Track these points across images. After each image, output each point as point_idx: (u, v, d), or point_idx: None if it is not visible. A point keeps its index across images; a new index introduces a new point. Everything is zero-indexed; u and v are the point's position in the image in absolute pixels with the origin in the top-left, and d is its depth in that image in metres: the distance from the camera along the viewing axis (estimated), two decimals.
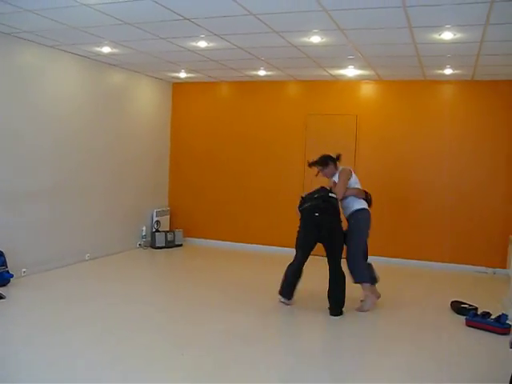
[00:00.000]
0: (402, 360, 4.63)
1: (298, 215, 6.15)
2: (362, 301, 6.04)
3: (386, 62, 7.30)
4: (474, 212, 8.26)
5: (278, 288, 6.10)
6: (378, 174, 8.74)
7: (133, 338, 4.87)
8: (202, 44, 6.52)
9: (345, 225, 6.11)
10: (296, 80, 9.16)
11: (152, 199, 9.62)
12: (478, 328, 5.44)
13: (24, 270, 6.76)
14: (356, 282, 6.03)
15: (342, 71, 8.08)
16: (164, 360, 4.40)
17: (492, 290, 7.20)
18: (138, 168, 9.19)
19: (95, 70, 7.98)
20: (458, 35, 5.55)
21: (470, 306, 5.97)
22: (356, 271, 5.99)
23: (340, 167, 6.32)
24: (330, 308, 5.84)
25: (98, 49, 7.07)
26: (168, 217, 9.85)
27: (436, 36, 5.63)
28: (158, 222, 9.44)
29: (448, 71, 7.62)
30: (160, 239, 9.25)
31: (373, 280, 6.15)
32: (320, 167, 6.30)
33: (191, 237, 9.85)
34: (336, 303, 5.83)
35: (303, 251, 6.06)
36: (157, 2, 4.86)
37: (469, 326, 5.52)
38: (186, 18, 5.39)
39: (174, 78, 9.44)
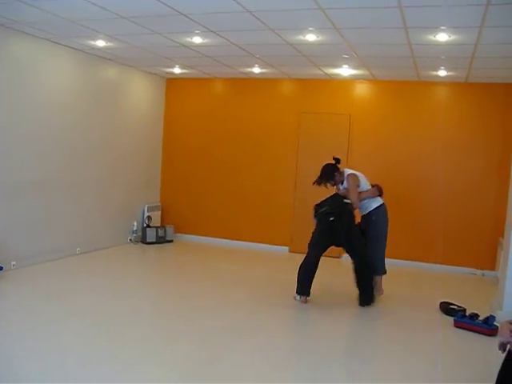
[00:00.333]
0: (389, 360, 4.65)
1: (314, 223, 6.38)
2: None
3: (381, 62, 7.31)
4: (464, 214, 8.30)
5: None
6: (371, 174, 8.71)
7: (123, 332, 4.86)
8: (197, 40, 6.51)
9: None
10: (290, 78, 9.16)
11: (144, 194, 9.60)
12: (466, 329, 5.47)
13: (13, 263, 6.72)
14: (375, 274, 6.30)
15: (336, 70, 8.09)
16: (154, 354, 4.39)
17: (480, 291, 7.23)
18: (131, 163, 9.16)
19: (89, 63, 7.95)
20: (453, 37, 5.57)
21: (459, 307, 6.01)
22: (375, 263, 6.26)
23: (345, 171, 6.43)
24: (359, 298, 6.16)
25: (93, 42, 7.03)
26: (159, 212, 9.83)
27: (431, 37, 5.65)
28: (149, 217, 9.42)
29: (442, 73, 7.64)
30: (151, 235, 9.24)
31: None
32: (327, 182, 6.44)
33: (182, 233, 9.84)
34: (365, 294, 6.15)
35: (318, 250, 6.23)
36: None
37: (457, 327, 5.55)
38: (181, 14, 5.37)
39: (168, 73, 9.41)
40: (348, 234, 6.13)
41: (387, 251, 6.37)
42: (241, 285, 6.94)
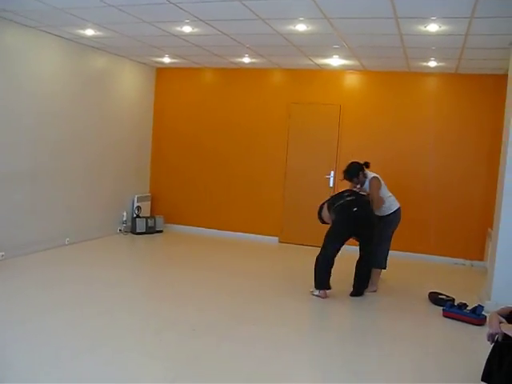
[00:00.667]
0: (377, 350, 4.67)
1: (325, 222, 6.44)
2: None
3: (371, 53, 7.30)
4: (453, 205, 8.33)
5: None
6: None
7: (113, 322, 4.85)
8: (187, 29, 6.46)
9: None
10: (280, 68, 9.13)
11: (133, 184, 9.56)
12: (454, 319, 5.51)
13: (2, 253, 6.68)
14: (374, 267, 6.39)
15: (326, 60, 8.07)
16: (144, 344, 4.40)
17: (469, 281, 7.29)
18: (120, 153, 9.11)
19: (78, 52, 7.87)
20: (444, 27, 5.56)
21: (447, 297, 6.05)
22: (378, 257, 6.39)
23: (369, 174, 6.48)
24: (354, 288, 6.26)
25: (82, 31, 6.96)
26: (149, 203, 9.80)
27: (421, 28, 5.64)
28: (138, 207, 9.39)
29: (432, 63, 7.64)
30: (141, 225, 9.21)
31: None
32: (350, 180, 6.50)
33: (172, 223, 9.82)
34: (361, 284, 6.26)
35: (336, 244, 6.15)
36: None
37: (445, 316, 5.59)
38: (170, 2, 5.32)
39: (157, 62, 9.35)
40: (369, 225, 6.17)
41: None
42: (232, 275, 6.97)
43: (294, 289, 6.48)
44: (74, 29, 6.87)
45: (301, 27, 5.99)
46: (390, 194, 6.50)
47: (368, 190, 6.42)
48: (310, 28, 6.01)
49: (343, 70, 8.77)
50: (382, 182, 6.49)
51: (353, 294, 6.22)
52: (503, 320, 3.57)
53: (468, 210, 8.28)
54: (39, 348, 4.15)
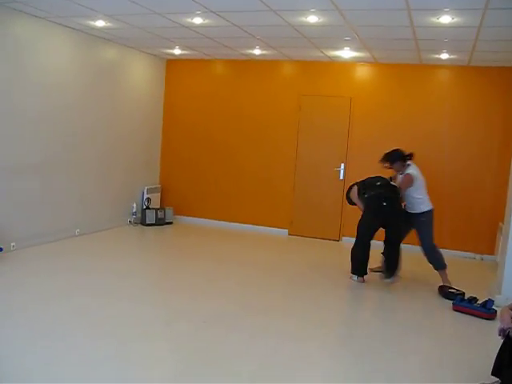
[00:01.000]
0: (385, 342, 4.66)
1: (354, 204, 6.64)
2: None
3: (383, 45, 7.24)
4: (464, 199, 8.29)
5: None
6: (371, 157, 8.73)
7: (123, 311, 4.89)
8: (198, 21, 6.44)
9: None
10: (291, 60, 9.09)
11: (143, 176, 9.58)
12: (464, 313, 5.49)
13: (13, 244, 6.73)
14: (436, 269, 6.48)
15: (337, 52, 8.02)
16: (154, 334, 4.41)
17: (479, 275, 7.26)
18: (130, 144, 9.13)
19: (89, 44, 7.87)
20: (456, 19, 5.50)
21: (458, 290, 6.03)
22: (433, 259, 6.46)
23: (409, 167, 6.51)
24: (383, 272, 6.49)
25: (92, 22, 6.96)
26: (159, 194, 9.82)
27: (434, 19, 5.58)
28: (148, 199, 9.41)
29: (444, 56, 7.58)
30: (150, 216, 9.24)
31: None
32: (387, 163, 6.57)
33: (182, 215, 9.84)
34: (391, 267, 6.41)
35: (369, 234, 6.39)
36: None
37: (455, 310, 5.58)
38: None
39: (168, 54, 9.34)
40: (397, 218, 6.33)
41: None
42: (241, 266, 7.00)
43: (303, 280, 6.52)
44: (84, 20, 6.87)
45: (312, 19, 5.95)
46: (421, 196, 6.46)
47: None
48: (321, 19, 5.97)
49: (354, 62, 8.72)
50: (419, 181, 6.46)
51: (385, 278, 6.44)
52: None
53: (479, 204, 8.23)
54: (48, 336, 4.19)
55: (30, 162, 6.98)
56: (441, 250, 6.57)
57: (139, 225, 9.21)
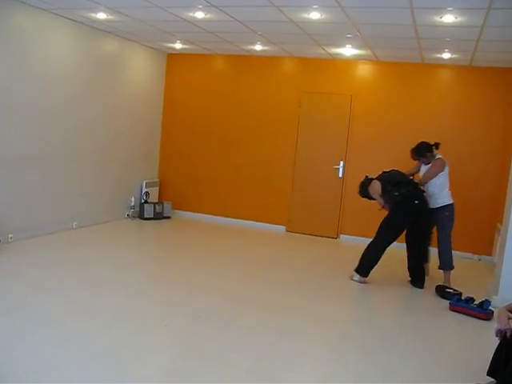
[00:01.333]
0: (382, 342, 4.66)
1: (360, 195, 6.61)
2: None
3: (385, 43, 7.23)
4: (462, 199, 8.24)
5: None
6: (371, 154, 8.75)
7: (120, 304, 4.88)
8: (200, 15, 6.41)
9: None
10: (292, 56, 9.07)
11: (142, 170, 9.56)
12: (461, 313, 5.49)
13: (11, 235, 6.71)
14: (440, 268, 6.49)
15: (339, 50, 8.00)
16: (149, 328, 4.40)
17: (476, 276, 7.26)
18: (129, 138, 9.10)
19: (90, 36, 7.84)
20: (459, 19, 5.48)
21: (455, 290, 6.03)
22: (445, 258, 6.42)
23: (436, 155, 6.50)
24: (411, 281, 6.41)
25: (94, 15, 6.93)
26: (157, 188, 9.80)
27: (437, 18, 5.56)
28: (147, 193, 9.40)
29: (446, 55, 7.56)
30: (148, 210, 9.22)
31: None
32: (418, 159, 6.58)
33: (180, 209, 9.83)
34: (418, 275, 6.36)
35: (395, 234, 6.27)
36: None
37: (452, 310, 5.58)
38: None
39: (168, 48, 9.31)
40: (426, 218, 6.26)
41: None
42: (239, 261, 7.00)
43: (301, 276, 6.52)
44: (85, 12, 6.83)
45: (314, 15, 5.93)
46: (447, 188, 6.49)
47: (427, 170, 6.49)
48: (323, 16, 5.95)
49: (355, 59, 8.70)
50: (447, 170, 6.46)
51: (414, 285, 6.37)
52: None
53: (477, 205, 8.23)
54: (44, 328, 4.18)
55: (29, 154, 6.96)
56: (434, 249, 6.55)
57: (137, 219, 9.20)
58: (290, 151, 9.19)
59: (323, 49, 8.00)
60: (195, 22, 6.86)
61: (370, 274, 6.36)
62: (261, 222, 9.37)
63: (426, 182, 6.40)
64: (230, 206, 9.59)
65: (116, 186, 8.88)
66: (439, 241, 6.44)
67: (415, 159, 6.62)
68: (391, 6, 5.35)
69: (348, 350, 4.44)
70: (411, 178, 6.53)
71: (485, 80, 8.20)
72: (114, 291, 5.31)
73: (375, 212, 8.39)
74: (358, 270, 6.33)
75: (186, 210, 9.84)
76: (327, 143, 9.01)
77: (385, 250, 6.27)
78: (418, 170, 6.71)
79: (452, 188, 8.22)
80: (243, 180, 9.51)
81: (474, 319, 5.34)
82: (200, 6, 6.02)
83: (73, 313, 4.61)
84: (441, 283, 6.31)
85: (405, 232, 6.40)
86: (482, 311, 5.37)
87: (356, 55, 8.31)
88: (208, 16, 6.44)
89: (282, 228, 9.27)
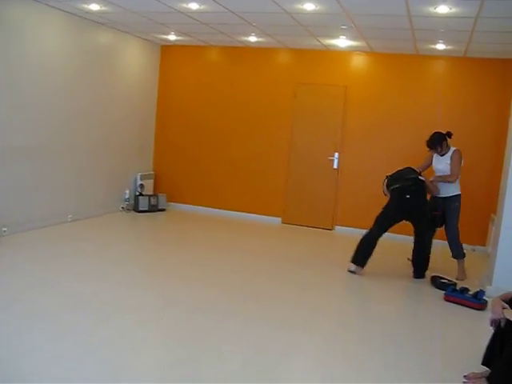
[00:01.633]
0: (377, 333, 4.68)
1: (386, 195, 6.53)
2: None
3: (379, 34, 7.21)
4: None
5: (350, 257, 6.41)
6: (365, 145, 8.76)
7: (116, 297, 4.88)
8: (194, 6, 6.38)
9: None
10: (287, 48, 9.04)
11: (136, 162, 9.53)
12: (455, 303, 5.52)
13: (5, 229, 6.68)
14: (453, 257, 6.62)
15: (333, 41, 7.99)
16: (146, 321, 4.41)
17: (471, 266, 7.26)
18: (123, 130, 9.07)
19: (82, 27, 7.79)
20: (454, 9, 5.48)
21: (449, 281, 6.07)
22: (456, 248, 6.58)
23: (451, 147, 6.56)
24: (414, 271, 6.45)
25: (87, 6, 6.88)
26: (152, 181, 9.78)
27: (431, 9, 5.55)
28: (141, 185, 9.38)
29: (441, 46, 7.55)
30: (143, 203, 9.21)
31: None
32: (433, 149, 6.59)
33: (175, 202, 9.82)
34: (420, 267, 6.41)
35: (384, 225, 6.39)
36: None
37: (447, 300, 5.60)
38: None
39: (162, 40, 9.27)
40: (419, 213, 6.31)
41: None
42: (235, 253, 7.02)
43: (297, 268, 6.54)
44: (78, 3, 6.78)
45: (309, 6, 5.91)
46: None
47: (448, 161, 6.51)
48: (318, 7, 5.93)
49: (350, 51, 8.69)
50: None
51: (415, 277, 6.40)
52: (506, 306, 3.58)
53: (471, 195, 8.21)
54: (41, 322, 4.18)
55: (23, 147, 6.92)
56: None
57: (132, 211, 9.18)
58: (284, 143, 9.19)
59: (318, 40, 7.98)
60: (189, 14, 6.83)
61: (367, 265, 6.38)
62: (256, 213, 9.37)
63: (457, 178, 6.51)
64: (225, 198, 9.59)
65: (110, 179, 8.86)
66: (449, 231, 6.57)
67: (431, 149, 6.61)
68: None
69: (344, 341, 4.45)
70: (419, 172, 6.50)
71: (479, 71, 8.20)
72: (111, 284, 5.30)
73: (370, 203, 8.42)
74: (353, 260, 6.39)
75: (180, 203, 9.83)
76: (322, 134, 9.01)
77: (376, 240, 6.33)
78: (431, 163, 6.75)
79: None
80: (238, 172, 9.51)
81: (469, 309, 5.37)
82: None
83: (70, 306, 4.61)
84: (435, 274, 6.33)
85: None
86: (477, 301, 5.40)
87: (350, 46, 8.29)
88: (202, 7, 6.41)
89: (278, 220, 9.27)
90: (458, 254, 6.58)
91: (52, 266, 5.74)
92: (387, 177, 6.56)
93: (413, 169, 6.50)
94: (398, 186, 6.35)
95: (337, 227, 8.96)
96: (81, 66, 7.87)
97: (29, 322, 4.17)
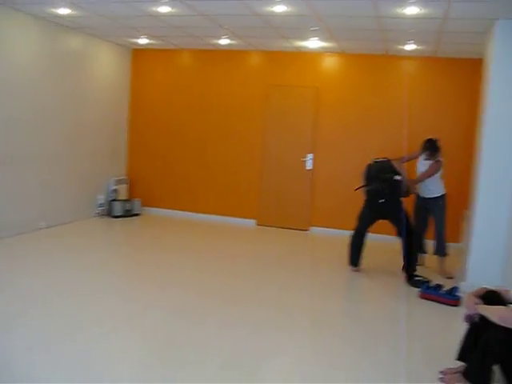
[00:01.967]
0: (353, 331, 4.72)
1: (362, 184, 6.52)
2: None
3: (350, 35, 7.28)
4: None
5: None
6: (339, 146, 8.82)
7: (92, 304, 4.83)
8: (164, 9, 6.35)
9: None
10: (258, 50, 9.06)
11: (109, 167, 9.45)
12: (430, 300, 5.59)
13: None
14: (436, 254, 6.76)
15: (304, 43, 8.03)
16: (122, 327, 4.37)
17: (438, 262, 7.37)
18: (95, 135, 8.98)
19: (52, 32, 7.69)
20: (423, 10, 5.55)
21: (424, 278, 6.12)
22: (441, 245, 6.71)
23: (438, 156, 6.67)
24: (404, 268, 6.39)
25: (56, 10, 6.80)
26: (126, 186, 9.70)
27: (400, 10, 5.63)
28: (115, 190, 9.30)
29: (411, 47, 7.65)
30: (117, 208, 9.14)
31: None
32: (432, 154, 6.63)
33: (150, 206, 9.75)
34: (406, 266, 6.34)
35: (365, 224, 6.51)
36: None
37: (422, 298, 5.66)
38: None
39: (133, 44, 9.21)
40: (394, 214, 6.29)
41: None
42: (211, 256, 6.99)
43: (273, 269, 6.55)
44: (47, 7, 6.71)
45: (279, 8, 5.94)
46: (441, 178, 6.74)
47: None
48: (288, 9, 5.96)
49: (321, 52, 8.74)
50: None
51: (408, 280, 6.28)
52: (479, 301, 3.63)
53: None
54: (15, 333, 4.11)
55: None
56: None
57: (106, 217, 9.10)
58: (257, 145, 9.20)
59: (289, 42, 8.02)
60: (160, 17, 6.80)
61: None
62: (231, 216, 9.36)
63: (421, 181, 6.63)
64: (199, 201, 9.56)
65: (84, 185, 8.76)
66: (436, 228, 6.73)
67: (427, 152, 6.65)
68: None
69: (321, 340, 4.47)
70: (397, 169, 6.39)
71: (449, 71, 8.32)
72: (85, 291, 5.25)
73: (345, 204, 8.49)
74: (349, 262, 6.57)
75: (155, 207, 9.77)
76: (295, 136, 9.04)
77: (361, 238, 6.47)
78: (416, 157, 6.86)
79: None
80: (212, 175, 9.49)
81: (444, 306, 5.44)
82: (165, 1, 5.97)
83: (43, 315, 4.54)
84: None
85: None
86: (451, 297, 5.47)
87: (322, 48, 8.34)
88: (173, 10, 6.39)
89: (253, 222, 9.28)
90: (441, 251, 6.70)
91: (25, 274, 5.66)
92: (368, 166, 6.51)
93: (391, 164, 6.40)
94: (372, 187, 6.33)
95: (312, 228, 8.99)
96: (51, 70, 7.77)
97: (7, 324, 4.11)
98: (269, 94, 9.10)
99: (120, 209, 9.15)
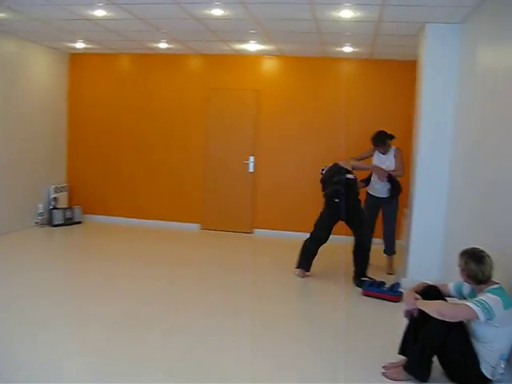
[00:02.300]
0: (297, 330, 4.76)
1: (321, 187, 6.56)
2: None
3: (287, 38, 7.35)
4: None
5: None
6: (280, 148, 8.89)
7: (32, 318, 4.68)
8: (100, 13, 6.25)
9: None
10: (198, 54, 9.03)
11: (49, 175, 9.18)
12: (373, 297, 5.71)
13: None
14: (386, 252, 6.94)
15: (243, 46, 8.06)
16: (64, 339, 4.27)
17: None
18: (32, 143, 8.68)
19: None
20: (357, 13, 5.68)
21: (370, 278, 6.19)
22: (392, 244, 6.91)
23: (392, 147, 6.80)
24: (354, 272, 6.36)
25: None
26: (66, 193, 9.47)
27: (335, 13, 5.73)
28: (55, 198, 9.07)
29: (348, 49, 7.80)
30: (58, 216, 8.91)
31: None
32: (378, 146, 6.75)
33: (91, 214, 9.54)
34: (360, 266, 6.35)
35: (324, 229, 6.44)
36: None
37: (366, 295, 5.78)
38: None
39: (70, 48, 9.00)
40: (351, 213, 6.28)
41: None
42: (155, 263, 6.90)
43: (219, 272, 6.53)
44: None
45: (217, 12, 5.94)
46: None
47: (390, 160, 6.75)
48: (226, 13, 5.97)
49: (261, 55, 8.79)
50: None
51: (355, 277, 6.30)
52: (418, 296, 3.73)
53: None
54: None
55: None
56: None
57: (46, 226, 8.86)
58: (200, 149, 9.17)
59: (228, 45, 8.03)
60: (96, 21, 6.68)
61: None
62: (175, 221, 9.28)
63: (402, 174, 6.72)
64: (142, 207, 9.44)
65: (21, 193, 8.48)
66: (387, 229, 6.88)
67: (376, 146, 6.77)
68: (290, 2, 5.45)
69: (266, 343, 4.48)
70: (349, 168, 6.45)
71: (386, 72, 8.53)
72: (26, 304, 5.09)
73: (288, 205, 8.57)
74: (298, 266, 6.47)
75: (97, 214, 9.57)
76: (236, 139, 9.06)
77: (316, 243, 6.42)
78: (369, 156, 6.95)
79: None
80: (155, 180, 9.39)
81: (386, 302, 5.57)
82: (100, 4, 5.87)
83: None
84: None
85: None
86: (393, 293, 5.61)
87: (261, 50, 8.39)
88: (110, 14, 6.29)
89: (197, 226, 9.23)
90: (391, 250, 6.87)
91: None
92: (321, 172, 6.62)
93: (340, 166, 6.44)
94: (328, 190, 6.41)
95: (256, 230, 9.02)
96: None
97: None
98: (210, 97, 9.08)
99: (60, 217, 8.93)
